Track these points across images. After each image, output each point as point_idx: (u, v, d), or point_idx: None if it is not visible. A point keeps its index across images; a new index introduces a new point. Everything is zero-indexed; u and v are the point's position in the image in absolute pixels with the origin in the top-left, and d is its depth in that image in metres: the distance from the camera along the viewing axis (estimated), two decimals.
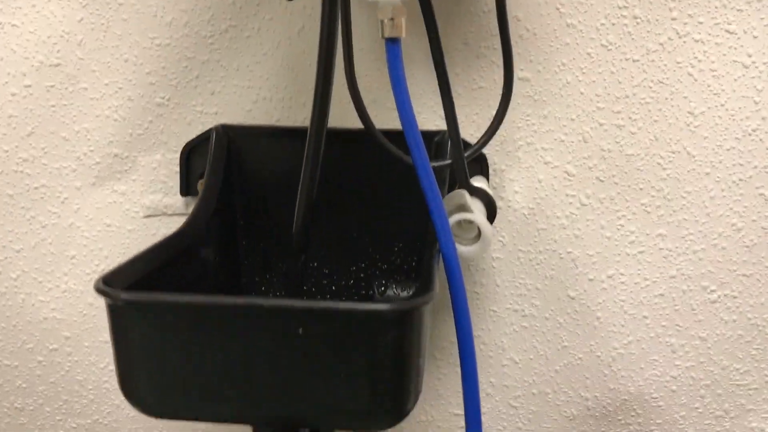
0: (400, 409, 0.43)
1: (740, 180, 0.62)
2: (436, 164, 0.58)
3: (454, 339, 0.67)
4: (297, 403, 0.43)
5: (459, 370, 0.68)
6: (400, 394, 0.43)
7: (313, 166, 0.55)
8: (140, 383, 0.44)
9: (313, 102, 0.52)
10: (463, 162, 0.58)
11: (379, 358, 0.42)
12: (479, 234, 0.57)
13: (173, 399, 0.44)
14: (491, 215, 0.59)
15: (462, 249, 0.56)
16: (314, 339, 0.41)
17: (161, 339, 0.43)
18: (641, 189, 0.63)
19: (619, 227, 0.64)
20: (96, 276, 0.69)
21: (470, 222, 0.57)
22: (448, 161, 0.59)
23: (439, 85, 0.56)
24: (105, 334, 0.70)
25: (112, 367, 0.72)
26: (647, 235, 0.64)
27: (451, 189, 0.60)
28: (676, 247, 0.63)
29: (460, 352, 0.57)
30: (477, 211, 0.56)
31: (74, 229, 0.68)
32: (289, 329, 0.41)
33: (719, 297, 0.64)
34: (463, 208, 0.55)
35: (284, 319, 0.41)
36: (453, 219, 0.55)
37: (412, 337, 0.42)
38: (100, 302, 0.70)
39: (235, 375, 0.43)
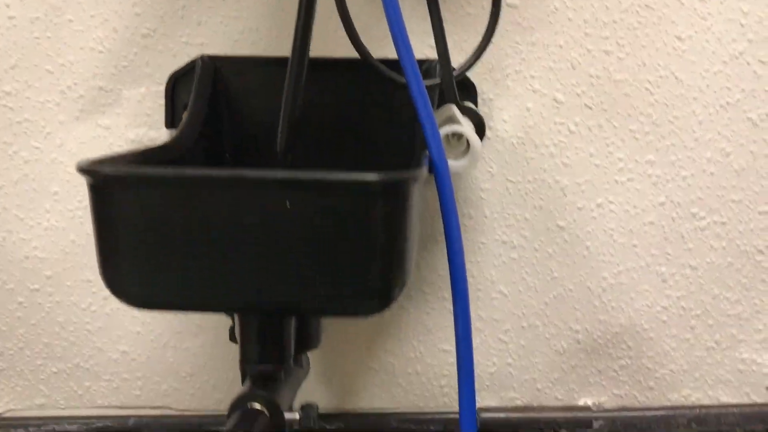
0: (387, 292, 0.42)
1: (728, 103, 0.62)
2: (426, 83, 0.57)
3: (443, 272, 0.66)
4: (284, 286, 0.42)
5: (448, 304, 0.68)
6: (388, 274, 0.42)
7: (297, 78, 0.54)
8: (123, 270, 0.43)
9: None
10: (452, 79, 0.57)
11: (367, 232, 0.41)
12: (468, 149, 0.56)
13: (157, 286, 0.43)
14: (480, 133, 0.58)
15: (452, 163, 0.55)
16: (301, 213, 0.40)
17: (145, 218, 0.41)
18: (630, 115, 0.62)
19: (607, 154, 0.63)
20: (79, 213, 0.68)
21: (459, 138, 0.56)
22: (437, 80, 0.58)
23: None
24: (87, 273, 0.68)
25: (95, 308, 0.70)
26: (636, 161, 0.63)
27: None
28: (665, 173, 0.63)
29: (450, 267, 0.55)
30: (466, 125, 0.55)
31: (57, 164, 0.67)
32: (277, 203, 0.40)
33: (708, 224, 0.63)
34: (452, 119, 0.55)
35: (271, 192, 0.40)
36: (443, 131, 0.55)
37: (400, 213, 0.41)
38: (83, 239, 0.69)
39: (221, 256, 0.42)
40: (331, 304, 0.43)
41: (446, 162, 0.51)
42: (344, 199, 0.40)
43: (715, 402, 0.67)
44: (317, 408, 0.48)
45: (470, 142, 0.55)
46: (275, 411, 0.45)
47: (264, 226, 0.41)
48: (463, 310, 0.58)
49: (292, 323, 0.47)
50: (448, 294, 0.67)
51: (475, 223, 0.66)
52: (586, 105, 0.63)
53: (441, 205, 0.53)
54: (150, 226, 0.42)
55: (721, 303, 0.65)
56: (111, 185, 0.41)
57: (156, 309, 0.46)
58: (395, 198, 0.41)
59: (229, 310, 0.47)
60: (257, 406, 0.45)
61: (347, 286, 0.42)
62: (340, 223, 0.40)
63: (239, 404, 0.45)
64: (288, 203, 0.40)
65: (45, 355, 0.70)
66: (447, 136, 0.56)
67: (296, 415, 0.48)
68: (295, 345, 0.48)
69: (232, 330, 0.51)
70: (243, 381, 0.49)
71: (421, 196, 0.49)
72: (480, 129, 0.59)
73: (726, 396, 0.67)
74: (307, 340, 0.49)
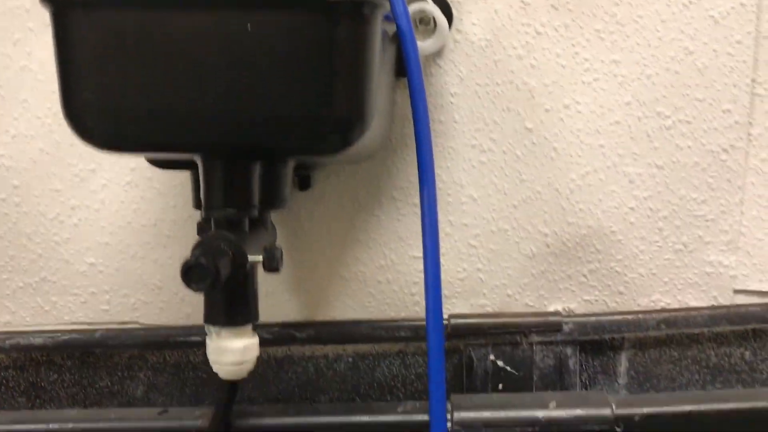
0: (349, 126, 0.42)
1: (690, 2, 0.63)
2: None
3: (413, 178, 0.66)
4: (246, 117, 0.42)
5: (418, 210, 0.67)
6: (349, 105, 0.42)
7: None
8: (86, 105, 0.43)
9: None
10: None
11: (329, 56, 0.41)
12: (435, 30, 0.56)
13: (119, 121, 0.42)
14: (447, 20, 0.59)
15: (420, 44, 0.56)
16: (263, 36, 0.40)
17: (106, 45, 0.42)
18: (594, 15, 0.63)
19: (574, 55, 0.64)
20: (48, 120, 0.67)
21: (426, 24, 0.57)
22: None
23: None
24: (55, 182, 0.68)
25: (63, 218, 0.70)
26: (601, 61, 0.64)
27: None
28: (630, 73, 0.64)
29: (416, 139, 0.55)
30: (432, 5, 0.56)
31: (26, 71, 0.67)
32: (238, 23, 0.40)
33: (674, 123, 0.64)
34: None
35: (232, 11, 0.40)
36: (410, 8, 0.55)
37: (362, 38, 0.41)
38: (52, 147, 0.68)
39: (183, 85, 0.41)
40: (292, 139, 0.43)
41: (413, 34, 0.52)
42: (307, 19, 0.40)
43: (683, 306, 0.67)
44: (281, 250, 0.48)
45: (437, 22, 0.56)
46: (238, 252, 0.45)
47: (225, 51, 0.41)
48: (431, 211, 0.58)
49: (257, 170, 0.47)
50: (419, 200, 0.67)
51: (445, 127, 0.66)
52: (552, 6, 0.64)
53: (408, 79, 0.53)
54: (111, 54, 0.42)
55: (688, 203, 0.65)
56: (71, 8, 0.41)
57: (119, 149, 0.45)
58: (357, 19, 0.41)
59: (191, 151, 0.46)
60: (221, 246, 0.44)
61: (309, 117, 0.41)
62: (302, 45, 0.40)
63: (202, 243, 0.44)
64: (249, 25, 0.39)
65: (11, 268, 0.70)
66: (414, 20, 0.57)
67: (259, 257, 0.47)
68: (260, 200, 0.47)
69: (197, 196, 0.51)
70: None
71: (389, 53, 0.49)
72: (447, 16, 0.59)
73: (694, 300, 0.67)
74: (272, 196, 0.48)
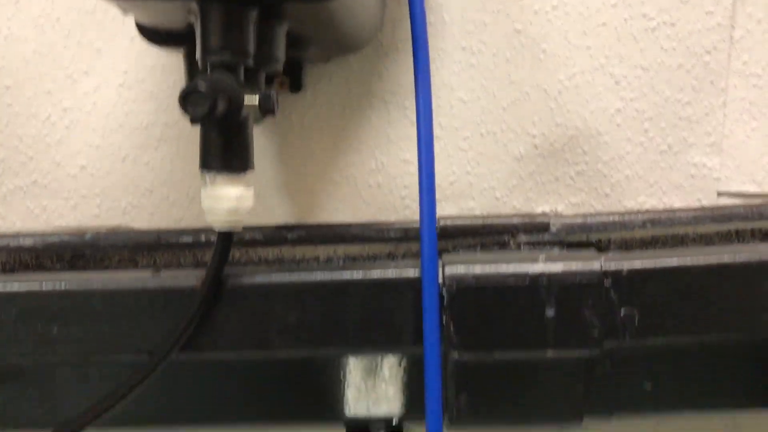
0: None
1: None
2: None
3: (404, 81, 0.67)
4: None
5: (410, 113, 0.68)
6: None
7: None
8: None
9: None
10: None
11: None
12: None
13: None
14: None
15: None
16: None
17: None
18: None
19: None
20: (42, 21, 0.68)
21: None
22: None
23: None
24: (48, 83, 0.69)
25: (54, 119, 0.70)
26: None
27: None
28: None
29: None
30: None
31: None
32: None
33: (658, 24, 0.65)
34: None
35: None
36: None
37: None
38: (45, 48, 0.69)
39: None
40: None
41: None
42: None
43: (668, 207, 0.68)
44: (277, 94, 0.48)
45: None
46: (235, 92, 0.45)
47: None
48: (426, 116, 0.59)
49: (252, 18, 0.47)
50: (409, 103, 0.68)
51: (435, 29, 0.67)
52: None
53: None
54: None
55: (673, 105, 0.67)
56: None
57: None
58: None
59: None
60: (219, 80, 0.45)
61: None
62: None
63: (201, 75, 0.45)
64: None
65: (1, 171, 0.69)
66: None
67: (255, 99, 0.47)
68: (255, 53, 0.48)
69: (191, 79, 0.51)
70: None
71: None
72: None
73: (679, 202, 0.68)
74: (267, 54, 0.49)
